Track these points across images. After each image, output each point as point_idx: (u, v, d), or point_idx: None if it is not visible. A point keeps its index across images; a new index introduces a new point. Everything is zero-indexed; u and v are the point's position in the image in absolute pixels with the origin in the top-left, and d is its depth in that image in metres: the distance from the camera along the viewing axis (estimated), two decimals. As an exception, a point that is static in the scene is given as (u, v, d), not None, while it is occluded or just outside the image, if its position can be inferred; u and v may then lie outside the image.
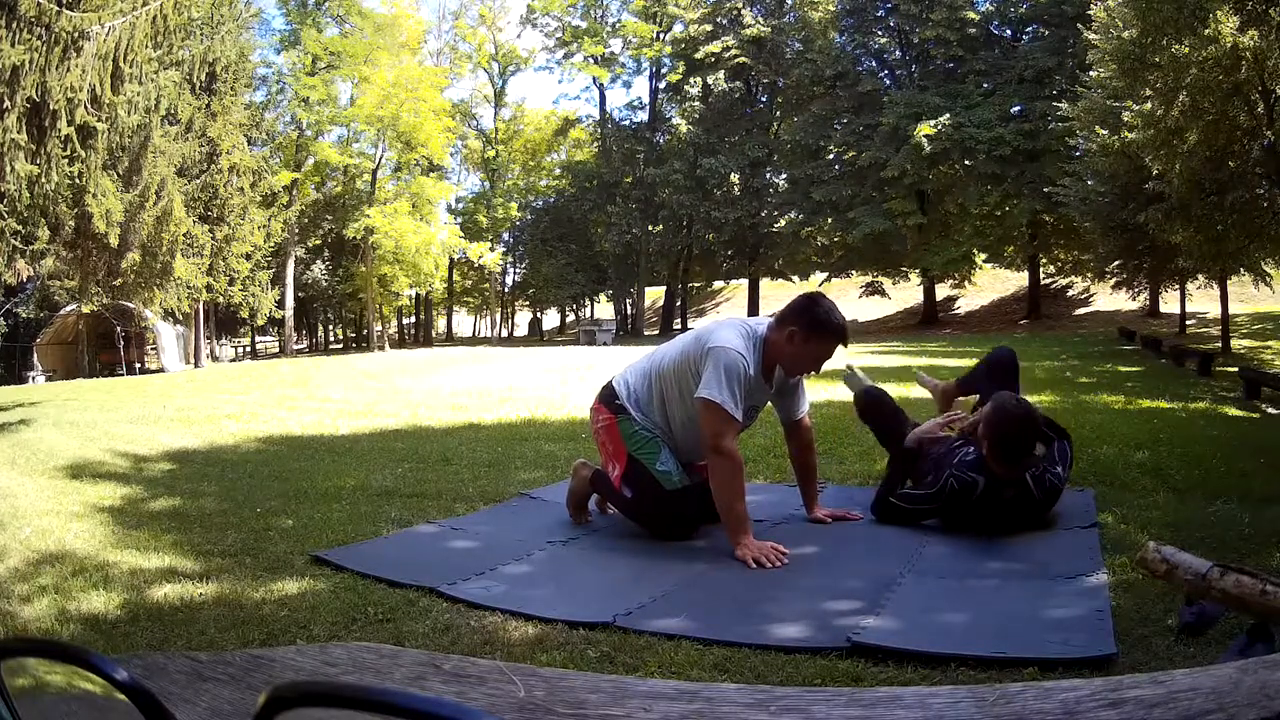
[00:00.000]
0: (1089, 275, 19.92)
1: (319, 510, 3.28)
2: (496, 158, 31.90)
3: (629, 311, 32.60)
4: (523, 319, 38.23)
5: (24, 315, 21.87)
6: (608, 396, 2.87)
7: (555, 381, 9.54)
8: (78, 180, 8.41)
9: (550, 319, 38.13)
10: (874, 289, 26.38)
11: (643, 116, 31.51)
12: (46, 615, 2.14)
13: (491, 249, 29.88)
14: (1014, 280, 27.00)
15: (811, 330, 2.56)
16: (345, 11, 27.33)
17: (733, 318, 2.80)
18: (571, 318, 37.40)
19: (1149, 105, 9.01)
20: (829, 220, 25.21)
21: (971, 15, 23.20)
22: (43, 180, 7.53)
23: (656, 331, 30.08)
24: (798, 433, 2.86)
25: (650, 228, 29.47)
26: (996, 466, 2.55)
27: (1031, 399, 6.28)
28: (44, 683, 0.51)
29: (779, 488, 3.35)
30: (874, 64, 26.45)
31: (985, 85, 22.96)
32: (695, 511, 2.70)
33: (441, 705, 0.34)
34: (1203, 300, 16.98)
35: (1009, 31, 24.47)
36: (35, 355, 20.49)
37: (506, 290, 35.34)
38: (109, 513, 3.40)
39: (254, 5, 21.97)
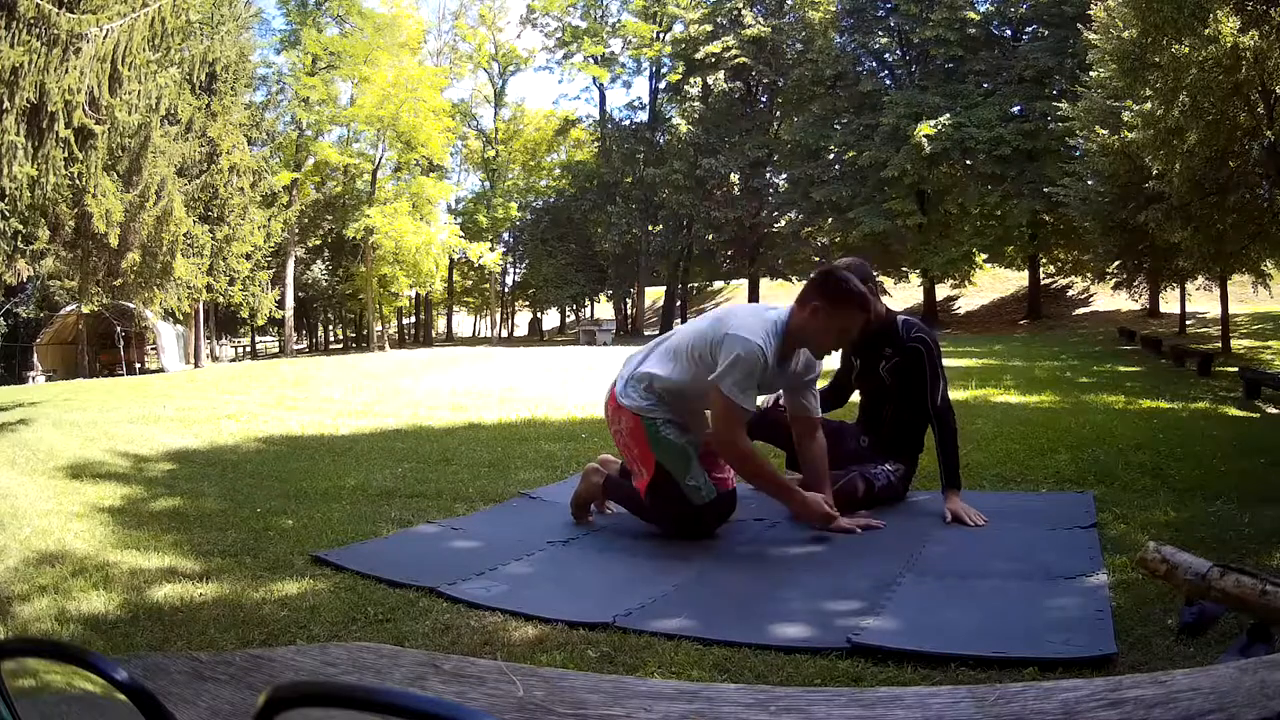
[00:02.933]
0: (1089, 275, 19.95)
1: (319, 510, 3.28)
2: (496, 158, 31.90)
3: (629, 311, 32.61)
4: (523, 319, 38.22)
5: (24, 315, 21.86)
6: (624, 396, 2.75)
7: (555, 381, 9.54)
8: (77, 180, 8.41)
9: (550, 319, 38.11)
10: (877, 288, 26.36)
11: (643, 116, 31.52)
12: (46, 615, 2.14)
13: (491, 249, 29.85)
14: (1014, 280, 27.00)
15: (833, 302, 2.52)
16: (345, 11, 27.33)
17: (754, 304, 2.74)
18: (571, 318, 37.40)
19: (1149, 105, 9.02)
20: (829, 220, 25.19)
21: (971, 15, 23.21)
22: (42, 181, 7.52)
23: (656, 331, 30.07)
24: (811, 427, 2.75)
25: (650, 228, 29.47)
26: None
27: (1031, 399, 6.31)
28: (44, 683, 0.51)
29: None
30: (874, 64, 26.46)
31: (985, 85, 22.97)
32: (715, 520, 2.70)
33: (441, 705, 0.34)
34: (1203, 300, 16.98)
35: (1009, 31, 24.48)
36: (35, 355, 20.48)
37: (506, 290, 35.33)
38: (109, 513, 3.40)
39: (254, 5, 22.03)
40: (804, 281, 2.85)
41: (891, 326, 3.02)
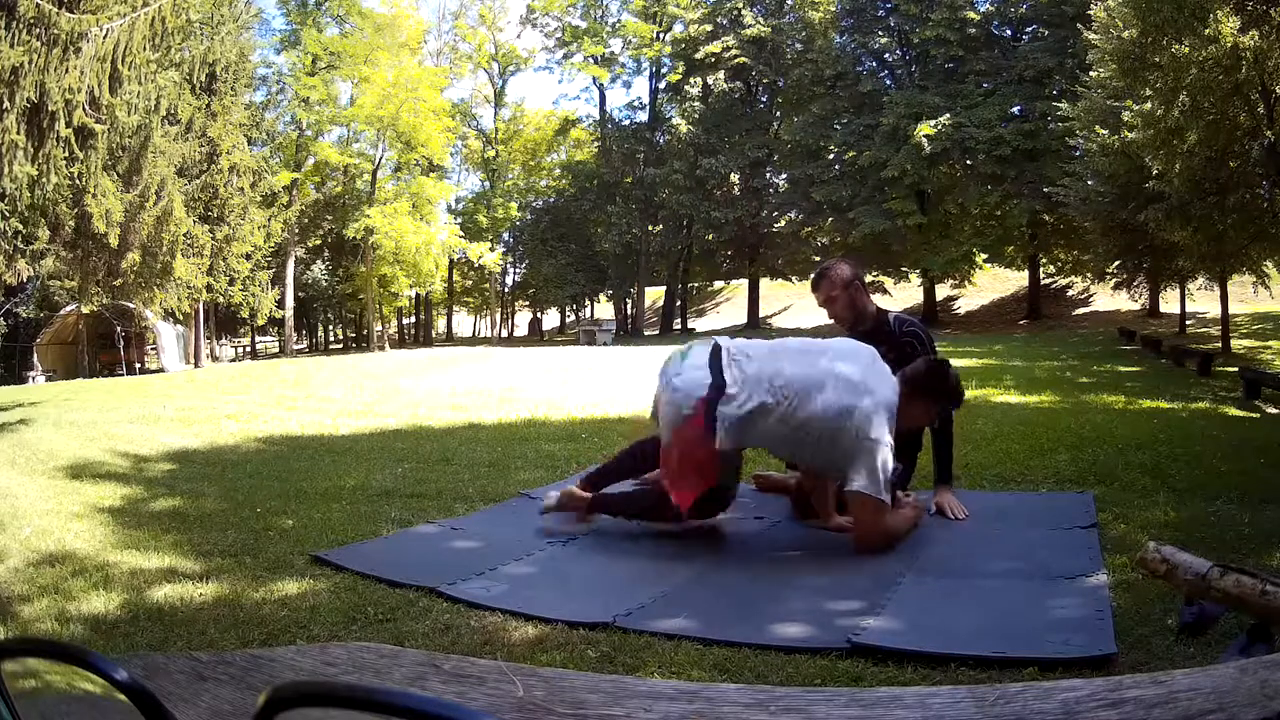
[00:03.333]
0: (1089, 275, 19.94)
1: (319, 510, 3.28)
2: (496, 158, 31.90)
3: (629, 311, 32.59)
4: (523, 319, 38.21)
5: (24, 315, 21.84)
6: (714, 411, 2.56)
7: (555, 382, 9.54)
8: (77, 180, 8.40)
9: (550, 319, 38.10)
10: (877, 288, 26.37)
11: (643, 116, 31.50)
12: (46, 615, 2.14)
13: (491, 249, 29.84)
14: (1014, 280, 26.99)
15: (941, 400, 2.75)
16: (345, 11, 27.32)
17: (878, 394, 2.53)
18: (571, 318, 37.39)
19: (1149, 105, 9.02)
20: (829, 220, 25.17)
21: (971, 15, 23.19)
22: (42, 181, 7.52)
23: (656, 331, 30.07)
24: None
25: (650, 228, 29.46)
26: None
27: (1031, 399, 6.31)
28: (44, 683, 0.51)
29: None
30: (874, 64, 26.45)
31: (985, 85, 22.95)
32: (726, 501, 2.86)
33: (441, 705, 0.34)
34: (1203, 300, 16.98)
35: (1009, 31, 24.47)
36: (35, 355, 20.45)
37: (506, 290, 35.33)
38: (109, 513, 3.40)
39: (254, 5, 21.99)
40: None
41: (884, 324, 3.07)
